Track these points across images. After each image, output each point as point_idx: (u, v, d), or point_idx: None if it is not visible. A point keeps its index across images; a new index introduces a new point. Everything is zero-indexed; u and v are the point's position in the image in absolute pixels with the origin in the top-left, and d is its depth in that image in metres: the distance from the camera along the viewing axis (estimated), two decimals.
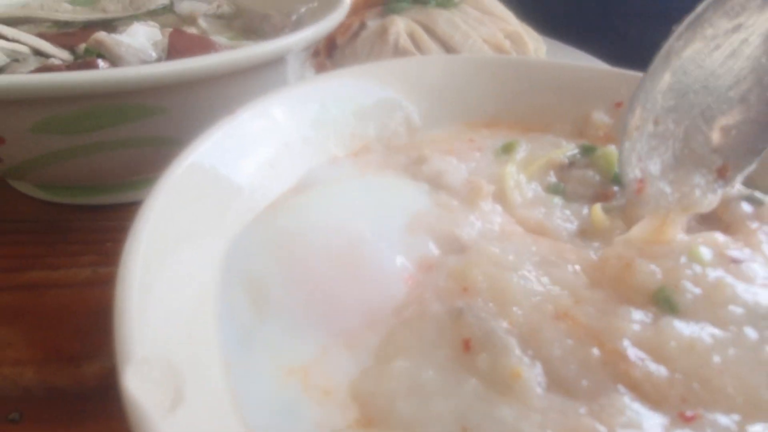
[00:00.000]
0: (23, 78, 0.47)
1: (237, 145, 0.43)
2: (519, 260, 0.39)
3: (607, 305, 0.35)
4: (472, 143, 0.55)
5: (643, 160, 0.43)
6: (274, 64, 0.61)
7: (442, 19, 0.90)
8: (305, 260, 0.38)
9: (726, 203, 0.44)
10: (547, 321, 0.34)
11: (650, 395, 0.31)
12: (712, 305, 0.34)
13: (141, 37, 0.72)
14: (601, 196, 0.47)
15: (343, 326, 0.35)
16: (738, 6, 0.41)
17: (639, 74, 0.58)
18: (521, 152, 0.53)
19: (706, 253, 0.37)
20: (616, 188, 0.48)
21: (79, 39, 0.74)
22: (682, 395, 0.31)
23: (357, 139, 0.54)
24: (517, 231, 0.43)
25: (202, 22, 0.87)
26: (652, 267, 0.36)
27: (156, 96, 0.53)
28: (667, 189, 0.42)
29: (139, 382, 0.24)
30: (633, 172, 0.43)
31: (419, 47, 0.89)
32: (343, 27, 0.93)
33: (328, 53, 0.97)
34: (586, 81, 0.60)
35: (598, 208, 0.44)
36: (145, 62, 0.68)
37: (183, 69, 0.51)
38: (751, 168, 0.43)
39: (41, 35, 0.74)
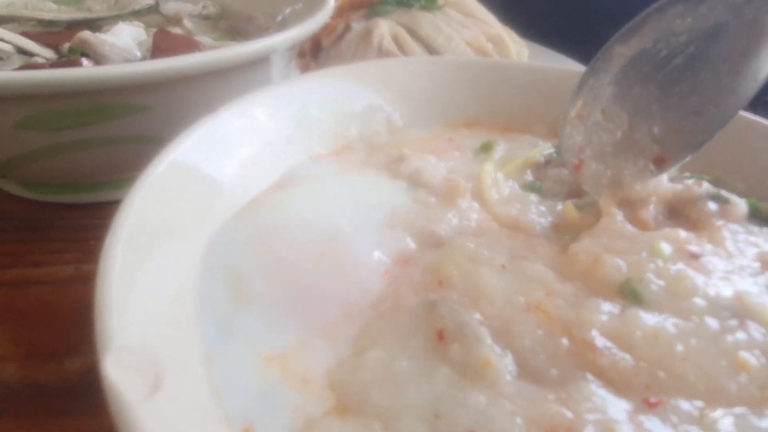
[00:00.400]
0: (6, 75, 0.48)
1: (219, 142, 0.44)
2: (493, 255, 0.40)
3: (576, 298, 0.37)
4: (452, 142, 0.56)
5: (583, 145, 0.46)
6: (258, 63, 0.62)
7: (425, 21, 0.91)
8: (284, 254, 0.39)
9: (693, 201, 0.46)
10: (519, 313, 0.36)
11: (616, 382, 0.33)
12: (675, 297, 0.36)
13: (126, 37, 0.72)
14: (574, 193, 0.48)
15: (321, 318, 0.36)
16: (679, 12, 0.44)
17: None
18: (499, 151, 0.54)
19: (666, 248, 0.38)
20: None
21: (63, 38, 0.74)
22: (647, 383, 0.33)
23: (339, 138, 0.55)
24: (492, 227, 0.44)
25: (188, 23, 0.87)
26: (618, 261, 0.37)
27: (140, 94, 0.54)
28: (602, 170, 0.46)
29: (119, 369, 0.25)
30: (572, 157, 0.47)
31: (403, 49, 0.90)
32: (328, 29, 0.94)
33: (314, 55, 0.98)
34: (562, 83, 0.61)
35: (570, 204, 0.46)
36: (129, 61, 0.68)
37: (167, 67, 0.52)
38: (686, 160, 0.46)
39: (25, 34, 0.74)
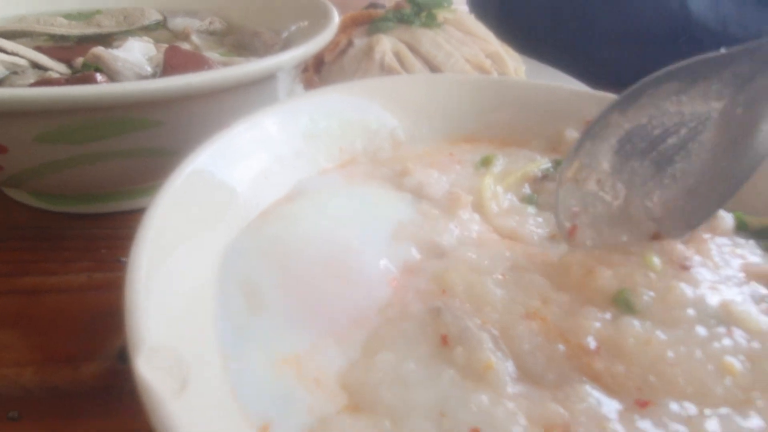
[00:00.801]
0: (32, 91, 0.50)
1: (233, 156, 0.46)
2: (493, 265, 0.42)
3: (571, 306, 0.39)
4: (453, 157, 0.58)
5: (578, 211, 0.45)
6: (266, 80, 0.64)
7: (426, 38, 0.94)
8: (296, 264, 0.41)
9: None
10: (518, 320, 0.38)
11: (610, 385, 0.35)
12: (666, 307, 0.38)
13: (136, 52, 0.75)
14: None
15: (331, 324, 0.38)
16: (673, 90, 0.42)
17: (609, 95, 0.62)
18: (498, 165, 0.57)
19: (657, 261, 0.41)
20: None
21: (75, 53, 0.77)
22: (638, 386, 0.35)
23: (344, 153, 0.57)
24: (493, 238, 0.46)
25: (195, 38, 0.90)
26: (611, 273, 0.40)
27: (154, 110, 0.56)
28: (596, 238, 0.44)
29: (151, 368, 0.27)
30: (566, 220, 0.45)
31: (404, 65, 0.93)
32: (331, 44, 0.96)
33: (317, 69, 1.01)
34: (559, 100, 0.64)
35: None
36: (140, 76, 0.70)
37: (181, 84, 0.54)
38: (685, 238, 0.44)
39: (38, 48, 0.76)
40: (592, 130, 0.45)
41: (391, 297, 0.40)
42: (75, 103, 0.51)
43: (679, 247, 0.43)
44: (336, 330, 0.37)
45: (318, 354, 0.36)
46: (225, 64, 0.73)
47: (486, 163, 0.57)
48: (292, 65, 0.66)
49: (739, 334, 0.38)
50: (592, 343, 0.36)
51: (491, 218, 0.49)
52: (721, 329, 0.38)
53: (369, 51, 0.93)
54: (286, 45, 0.85)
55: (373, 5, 1.05)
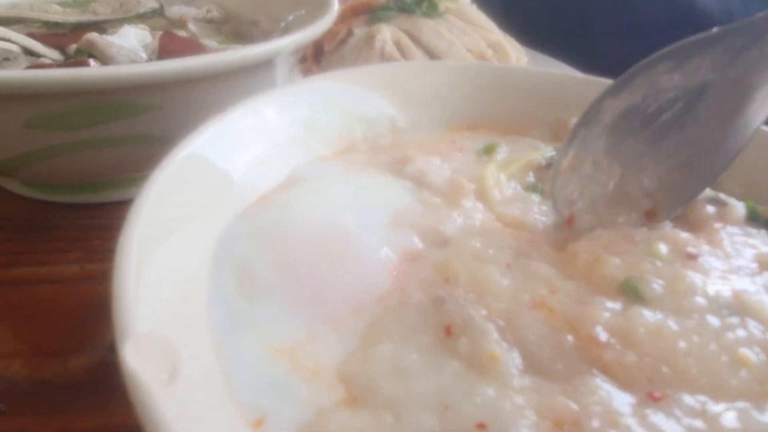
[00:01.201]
0: (19, 73, 0.48)
1: (229, 141, 0.45)
2: (498, 253, 0.41)
3: (579, 295, 0.37)
4: (454, 144, 0.57)
5: (576, 197, 0.46)
6: (263, 66, 0.63)
7: (427, 28, 0.92)
8: (292, 249, 0.39)
9: (692, 205, 0.47)
10: (524, 309, 0.36)
11: (620, 377, 0.33)
12: (676, 295, 0.37)
13: (132, 39, 0.73)
14: None
15: (328, 312, 0.36)
16: (667, 69, 0.44)
17: (611, 82, 0.61)
18: (501, 153, 0.55)
19: (663, 249, 0.39)
20: None
21: (69, 40, 0.75)
22: (650, 377, 0.33)
23: (343, 139, 0.56)
24: (496, 226, 0.45)
25: (192, 26, 0.88)
26: (618, 261, 0.38)
27: (148, 94, 0.55)
28: (594, 222, 0.45)
29: (138, 357, 0.25)
30: (564, 208, 0.46)
31: (405, 55, 0.91)
32: (330, 34, 0.95)
33: (316, 59, 0.99)
34: (562, 88, 0.63)
35: None
36: (135, 63, 0.69)
37: (176, 68, 0.53)
38: (678, 213, 0.46)
39: (31, 35, 0.74)
40: (587, 117, 0.47)
41: (391, 285, 0.38)
42: (66, 86, 0.49)
43: (683, 235, 0.42)
44: (333, 318, 0.36)
45: (315, 343, 0.34)
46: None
47: (489, 151, 0.56)
48: (290, 51, 0.64)
49: (753, 325, 0.36)
50: (602, 333, 0.35)
51: (494, 206, 0.48)
52: (735, 319, 0.36)
53: (369, 40, 0.91)
54: (284, 33, 0.84)
55: None
